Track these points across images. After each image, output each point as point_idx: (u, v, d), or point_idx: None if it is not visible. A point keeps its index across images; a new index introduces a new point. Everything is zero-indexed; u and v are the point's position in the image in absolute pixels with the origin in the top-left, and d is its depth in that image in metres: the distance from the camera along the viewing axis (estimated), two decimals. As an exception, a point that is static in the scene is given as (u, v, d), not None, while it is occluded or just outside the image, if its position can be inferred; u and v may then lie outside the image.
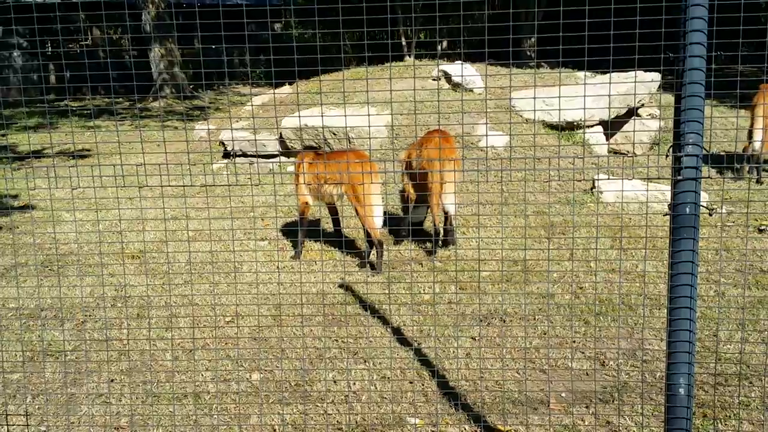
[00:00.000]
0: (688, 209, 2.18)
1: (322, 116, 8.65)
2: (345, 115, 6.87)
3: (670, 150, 2.21)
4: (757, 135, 8.58)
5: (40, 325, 5.14)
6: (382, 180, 6.73)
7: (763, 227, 6.61)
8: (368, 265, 6.18)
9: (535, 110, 8.87)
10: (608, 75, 9.34)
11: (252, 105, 11.76)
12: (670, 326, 2.26)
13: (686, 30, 2.09)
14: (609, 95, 5.86)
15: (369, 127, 8.60)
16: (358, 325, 4.99)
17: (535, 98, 8.09)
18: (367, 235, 6.18)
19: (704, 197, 7.24)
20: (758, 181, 8.48)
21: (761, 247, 6.18)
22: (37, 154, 11.63)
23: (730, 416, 3.67)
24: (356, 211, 6.19)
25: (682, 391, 2.23)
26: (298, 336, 4.84)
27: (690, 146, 2.13)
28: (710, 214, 2.26)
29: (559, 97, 6.61)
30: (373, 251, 6.16)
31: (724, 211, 7.20)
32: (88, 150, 11.75)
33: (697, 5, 2.09)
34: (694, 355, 2.28)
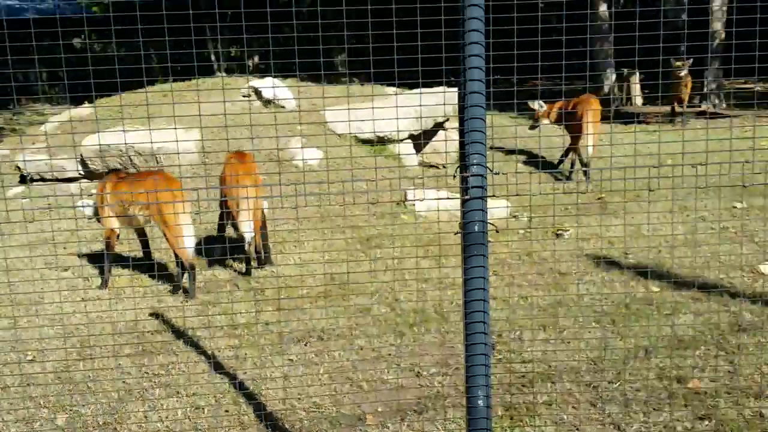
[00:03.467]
0: (476, 227, 2.26)
1: (125, 134, 8.23)
2: (150, 131, 6.58)
3: (458, 170, 2.28)
4: (590, 140, 9.37)
5: None
6: (192, 201, 6.50)
7: (560, 232, 7.10)
8: (181, 290, 5.95)
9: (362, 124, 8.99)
10: (416, 91, 9.68)
11: (46, 126, 10.99)
12: (467, 340, 2.33)
13: (465, 55, 2.17)
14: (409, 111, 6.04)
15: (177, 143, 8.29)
16: (170, 354, 4.76)
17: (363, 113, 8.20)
18: (177, 258, 5.96)
19: (506, 206, 7.68)
20: (587, 178, 9.24)
21: (559, 252, 6.63)
22: None
23: (533, 416, 3.87)
24: (164, 234, 5.95)
25: (480, 402, 2.31)
26: (107, 370, 4.54)
27: (475, 166, 2.22)
28: (497, 231, 2.39)
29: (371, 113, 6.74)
30: (186, 275, 5.94)
31: (525, 218, 7.66)
32: None
33: (474, 30, 2.18)
34: (490, 367, 2.36)
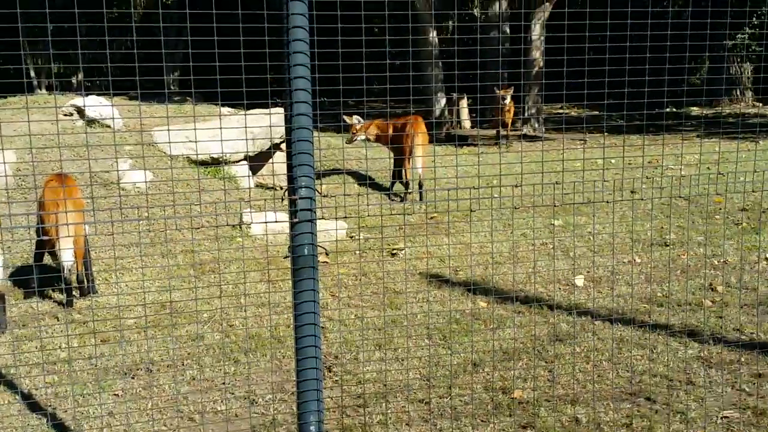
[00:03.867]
0: (306, 250, 2.24)
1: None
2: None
3: (285, 193, 2.26)
4: (418, 162, 9.66)
5: None
6: (4, 228, 6.01)
7: (395, 251, 7.24)
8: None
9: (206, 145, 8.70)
10: (252, 111, 9.57)
11: None
12: (298, 365, 2.29)
13: (291, 77, 2.16)
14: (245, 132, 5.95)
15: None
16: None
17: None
18: None
19: (344, 227, 7.74)
20: (421, 199, 9.48)
21: (394, 270, 6.75)
22: None
23: (369, 436, 3.89)
24: None
25: (312, 428, 2.28)
26: None
27: (303, 189, 2.20)
28: (327, 254, 2.39)
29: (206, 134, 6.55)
30: None
31: (362, 237, 7.75)
32: None
33: (299, 52, 2.17)
34: (322, 391, 2.34)
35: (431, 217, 8.63)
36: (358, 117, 10.22)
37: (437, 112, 17.29)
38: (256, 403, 4.33)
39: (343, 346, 5.06)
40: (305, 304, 2.26)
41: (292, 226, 2.24)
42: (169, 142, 8.46)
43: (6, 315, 5.44)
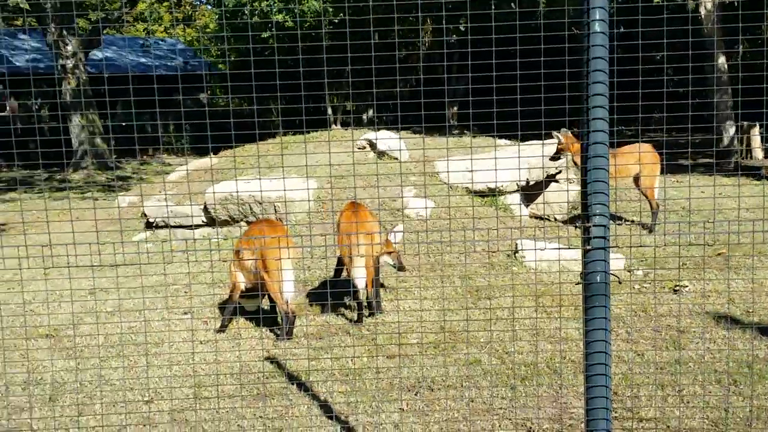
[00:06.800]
0: (598, 278, 2.24)
1: (236, 183, 8.60)
2: (258, 181, 6.87)
3: (579, 221, 2.28)
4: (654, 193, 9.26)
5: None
6: (296, 247, 6.63)
7: (677, 287, 6.83)
8: (287, 338, 6.05)
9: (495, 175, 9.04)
10: (528, 143, 9.67)
11: (173, 173, 11.63)
12: (587, 393, 2.29)
13: (589, 106, 2.19)
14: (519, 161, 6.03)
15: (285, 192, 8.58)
16: (284, 398, 4.87)
17: (482, 164, 8.28)
18: (271, 302, 6.13)
19: (622, 261, 7.47)
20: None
21: (677, 308, 6.37)
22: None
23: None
24: (264, 281, 6.06)
25: (601, 458, 2.25)
26: (221, 413, 4.69)
27: (597, 217, 2.21)
28: (619, 282, 2.32)
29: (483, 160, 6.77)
30: (284, 320, 6.09)
31: (640, 272, 7.42)
32: (3, 224, 11.33)
33: (599, 82, 2.19)
34: (611, 420, 2.30)
35: (719, 253, 8.00)
36: (557, 134, 9.52)
37: (726, 141, 16.03)
38: (533, 431, 4.33)
39: (623, 381, 4.88)
40: (596, 332, 2.25)
41: (585, 253, 2.26)
42: (448, 172, 8.82)
43: (291, 327, 6.01)
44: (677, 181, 11.58)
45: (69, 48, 19.28)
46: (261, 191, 8.57)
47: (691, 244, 8.13)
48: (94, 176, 18.69)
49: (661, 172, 9.86)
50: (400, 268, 6.70)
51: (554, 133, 9.50)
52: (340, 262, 6.88)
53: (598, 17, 2.17)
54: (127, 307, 6.51)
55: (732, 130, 16.14)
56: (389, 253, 6.62)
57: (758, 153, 16.79)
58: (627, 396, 4.68)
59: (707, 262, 7.74)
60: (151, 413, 4.74)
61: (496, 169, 3.81)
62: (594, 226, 2.22)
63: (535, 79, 2.69)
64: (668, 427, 4.25)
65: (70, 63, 19.44)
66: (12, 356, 5.68)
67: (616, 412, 4.46)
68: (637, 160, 8.89)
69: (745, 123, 16.27)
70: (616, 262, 7.28)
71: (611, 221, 8.40)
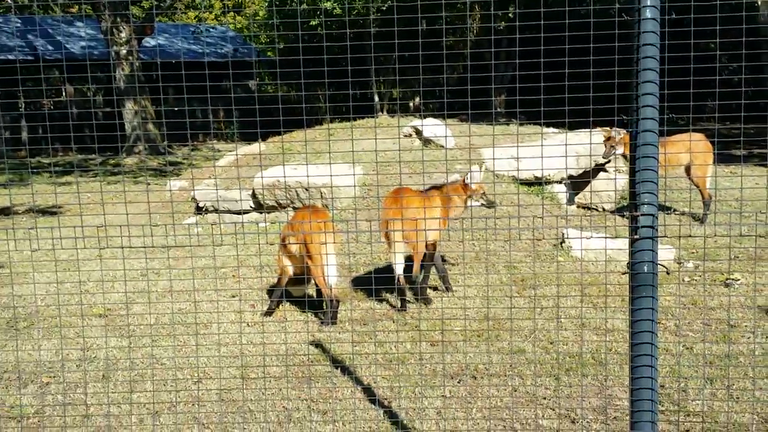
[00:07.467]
0: (646, 268, 2.21)
1: (284, 169, 8.69)
2: (306, 168, 6.92)
3: (628, 209, 2.26)
4: (706, 183, 9.01)
5: (2, 387, 5.01)
6: (338, 234, 6.65)
7: (729, 281, 6.69)
8: (331, 323, 6.11)
9: (530, 164, 8.99)
10: (575, 131, 9.53)
11: (220, 161, 11.79)
12: (632, 384, 2.27)
13: (638, 93, 2.16)
14: (570, 150, 5.96)
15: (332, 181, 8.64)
16: (329, 382, 4.93)
17: (523, 153, 8.22)
18: (319, 292, 6.19)
19: (672, 252, 7.33)
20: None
21: (727, 302, 6.24)
22: (6, 212, 11.51)
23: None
24: (308, 267, 6.13)
25: (645, 451, 2.24)
26: (268, 394, 4.77)
27: (645, 206, 2.18)
28: (668, 273, 2.29)
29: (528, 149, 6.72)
30: (328, 305, 6.14)
31: (690, 264, 7.29)
32: (59, 206, 11.65)
33: (649, 69, 2.16)
34: (657, 413, 2.28)
35: (774, 246, 7.79)
36: (610, 129, 9.25)
37: (785, 131, 15.56)
38: (577, 422, 4.31)
39: (670, 375, 4.81)
40: (643, 322, 2.23)
41: (633, 242, 2.23)
42: (494, 159, 8.76)
43: (335, 312, 6.07)
44: (731, 172, 11.29)
45: (122, 35, 19.65)
46: (308, 176, 8.64)
47: (742, 235, 7.94)
48: (147, 161, 19.07)
49: (714, 162, 9.63)
50: (490, 204, 6.76)
51: (606, 129, 9.26)
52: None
53: (649, 3, 2.14)
54: (178, 289, 6.64)
55: (788, 120, 15.66)
56: (470, 196, 6.64)
57: (818, 144, 16.27)
58: (674, 389, 4.62)
59: (760, 255, 7.56)
60: (200, 392, 4.85)
61: (542, 157, 3.77)
62: (642, 215, 2.20)
63: (584, 67, 2.67)
64: (716, 421, 4.18)
65: (123, 50, 19.82)
66: (68, 334, 5.87)
67: (662, 405, 4.40)
68: (688, 149, 8.69)
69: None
70: (665, 253, 7.15)
71: (660, 211, 8.24)
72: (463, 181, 6.64)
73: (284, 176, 8.98)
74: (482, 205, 6.72)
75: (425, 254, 6.56)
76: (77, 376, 5.18)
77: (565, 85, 2.46)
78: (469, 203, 6.66)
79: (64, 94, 24.37)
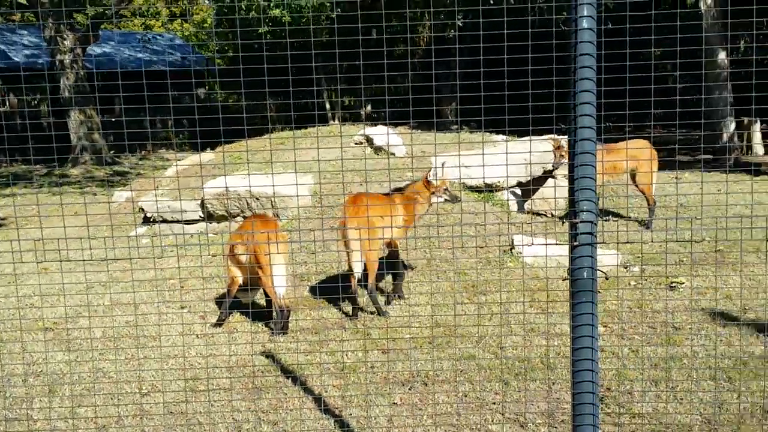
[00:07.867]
0: (585, 273, 2.26)
1: (226, 181, 8.61)
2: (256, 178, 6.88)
3: (566, 217, 2.30)
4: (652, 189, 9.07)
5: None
6: (287, 243, 6.62)
7: (673, 284, 6.85)
8: (281, 332, 6.06)
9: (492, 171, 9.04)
10: (522, 139, 9.67)
11: (175, 167, 11.64)
12: (574, 388, 2.31)
13: (576, 102, 2.21)
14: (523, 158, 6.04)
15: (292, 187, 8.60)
16: (279, 392, 4.90)
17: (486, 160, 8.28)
18: (266, 296, 6.17)
19: (616, 258, 7.48)
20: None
21: (672, 305, 6.39)
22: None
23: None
24: (259, 276, 6.10)
25: (588, 451, 2.27)
26: (217, 406, 4.71)
27: (584, 213, 2.23)
28: (606, 279, 2.34)
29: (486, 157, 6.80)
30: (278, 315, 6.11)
31: (636, 269, 7.44)
32: (3, 219, 11.36)
33: (586, 79, 2.21)
34: (598, 416, 2.33)
35: (717, 250, 8.01)
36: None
37: (725, 138, 16.03)
38: (526, 426, 4.36)
39: (616, 377, 4.91)
40: (583, 327, 2.28)
41: (572, 249, 2.28)
42: (443, 167, 8.80)
43: (285, 321, 6.03)
44: (675, 178, 11.59)
45: (66, 43, 19.26)
46: (250, 186, 8.58)
47: (680, 240, 8.15)
48: (92, 171, 18.70)
49: (659, 169, 9.86)
50: (454, 199, 6.94)
51: (555, 138, 9.38)
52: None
53: (585, 13, 2.19)
54: (125, 302, 6.53)
55: (732, 126, 16.14)
56: (433, 193, 6.73)
57: (759, 149, 16.81)
58: (620, 392, 4.71)
59: (704, 259, 7.76)
60: (147, 405, 4.77)
61: (484, 165, 3.82)
62: (581, 222, 2.25)
63: (526, 76, 2.71)
64: (661, 422, 4.28)
65: (67, 58, 19.43)
66: (13, 348, 5.72)
67: (608, 408, 4.48)
68: (633, 156, 8.87)
69: (746, 119, 16.28)
70: (610, 258, 7.30)
71: (608, 216, 8.38)
72: (425, 178, 6.71)
73: (231, 186, 8.91)
74: (446, 200, 6.83)
75: (390, 252, 6.62)
76: (22, 391, 5.04)
77: (505, 95, 2.51)
78: (433, 200, 6.75)
79: (6, 104, 23.77)
